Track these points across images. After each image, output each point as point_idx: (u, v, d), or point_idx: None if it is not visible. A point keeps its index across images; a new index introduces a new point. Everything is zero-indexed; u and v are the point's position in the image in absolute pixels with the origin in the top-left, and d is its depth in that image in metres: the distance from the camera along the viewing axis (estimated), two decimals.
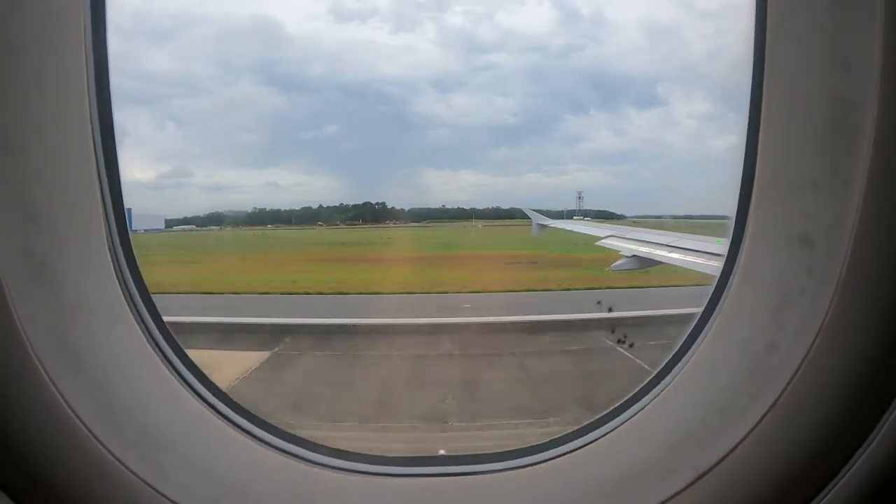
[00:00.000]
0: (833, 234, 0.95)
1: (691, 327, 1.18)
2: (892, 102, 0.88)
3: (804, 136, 0.97)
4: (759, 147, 1.01)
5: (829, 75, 0.94)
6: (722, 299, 1.11)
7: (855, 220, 0.92)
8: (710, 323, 1.13)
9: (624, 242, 10.44)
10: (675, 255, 8.66)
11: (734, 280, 1.08)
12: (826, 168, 0.95)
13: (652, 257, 9.52)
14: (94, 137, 1.09)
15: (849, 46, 0.92)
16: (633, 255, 9.98)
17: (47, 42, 1.02)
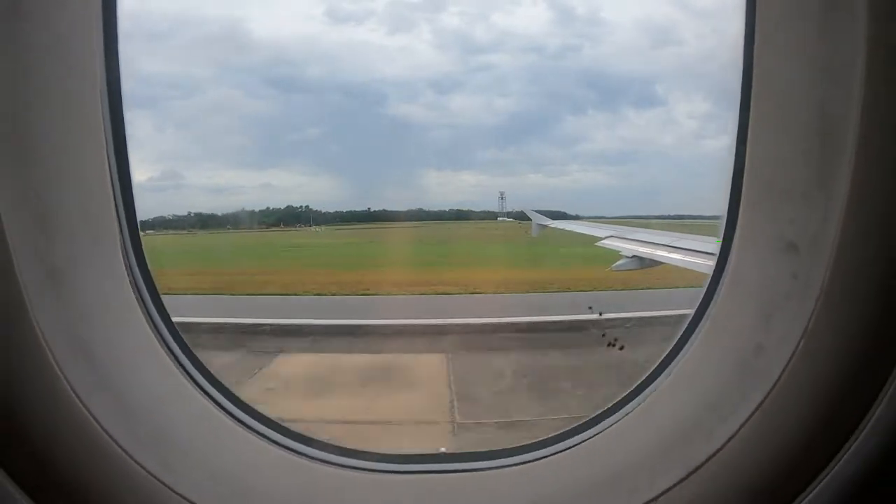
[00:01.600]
0: (817, 241, 0.99)
1: (682, 330, 1.22)
2: (874, 114, 0.92)
3: (791, 145, 1.01)
4: (748, 155, 1.05)
5: (815, 86, 0.97)
6: (712, 303, 1.15)
7: (838, 227, 0.96)
8: (700, 326, 1.17)
9: (624, 243, 10.45)
10: (676, 256, 8.68)
11: (723, 284, 1.12)
12: (812, 177, 0.99)
13: (653, 258, 9.54)
14: (106, 144, 1.13)
15: (834, 58, 0.95)
16: (634, 256, 9.99)
17: (60, 51, 1.05)
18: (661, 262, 9.17)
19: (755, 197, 1.06)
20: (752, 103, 1.04)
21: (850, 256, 0.96)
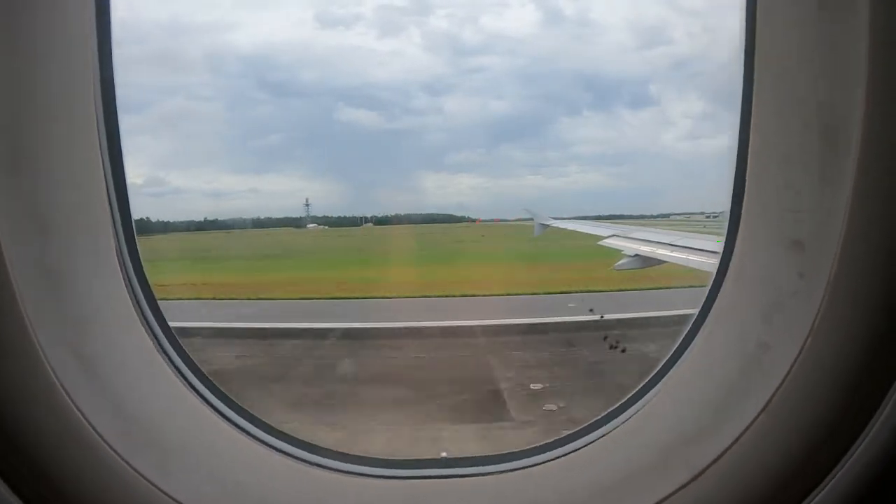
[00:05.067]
0: (822, 238, 0.97)
1: (686, 329, 1.20)
2: (877, 109, 0.90)
3: (793, 141, 0.99)
4: (750, 152, 1.03)
5: (817, 82, 0.96)
6: (716, 302, 1.13)
7: (843, 223, 0.94)
8: (704, 325, 1.15)
9: (626, 242, 10.42)
10: (679, 255, 8.65)
11: (727, 282, 1.10)
12: (815, 173, 0.97)
13: (656, 256, 9.51)
14: (101, 151, 1.12)
15: (836, 54, 0.93)
16: (636, 255, 9.97)
17: (56, 60, 1.05)
18: (664, 262, 9.14)
19: (758, 194, 1.04)
20: (753, 100, 1.02)
21: (855, 253, 0.94)
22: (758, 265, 1.06)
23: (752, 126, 1.02)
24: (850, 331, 0.98)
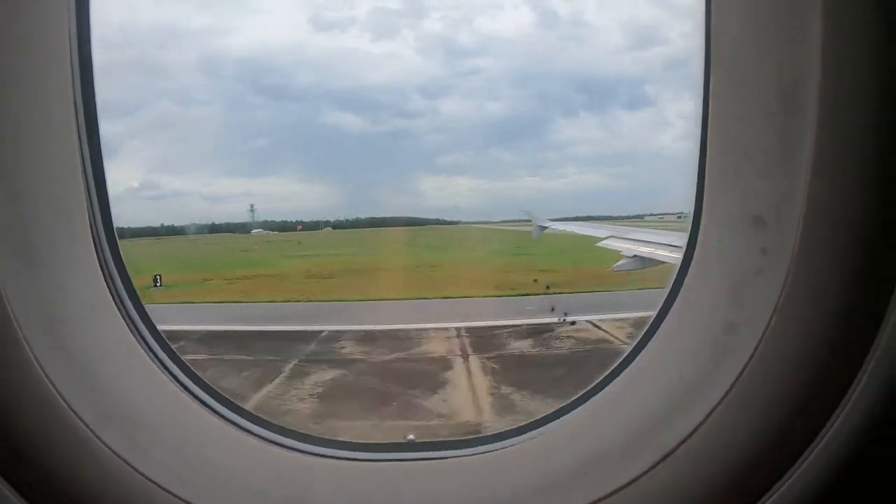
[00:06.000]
0: (783, 214, 0.97)
1: (657, 311, 1.19)
2: (834, 83, 0.90)
3: (751, 118, 0.99)
4: (709, 131, 1.03)
5: (773, 59, 0.96)
6: (684, 282, 1.12)
7: (804, 198, 0.93)
8: (673, 306, 1.14)
9: (624, 243, 10.42)
10: (678, 255, 8.60)
11: (694, 262, 1.10)
12: (774, 149, 0.97)
13: (654, 257, 9.50)
14: (81, 146, 1.15)
15: (792, 30, 0.93)
16: (635, 256, 9.96)
17: (33, 49, 1.07)
18: (663, 262, 9.13)
19: (719, 172, 1.04)
20: (711, 80, 1.02)
21: (817, 228, 0.94)
22: (722, 243, 1.05)
23: (710, 104, 1.02)
24: (815, 306, 0.97)
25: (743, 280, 1.03)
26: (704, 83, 1.04)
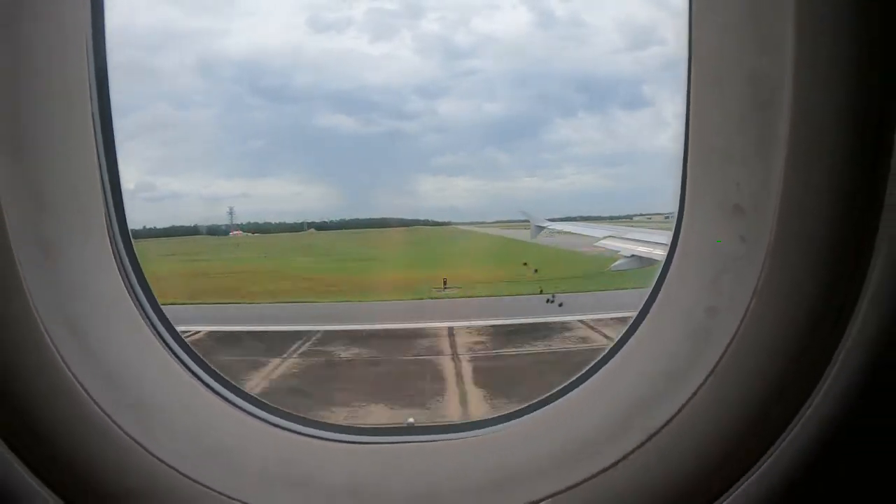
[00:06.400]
0: (760, 202, 1.02)
1: (644, 299, 1.24)
2: (808, 79, 0.95)
3: (730, 112, 1.04)
4: (690, 124, 1.08)
5: (749, 56, 1.01)
6: (668, 272, 1.18)
7: (780, 188, 0.99)
8: (658, 294, 1.19)
9: (622, 243, 10.46)
10: None
11: (677, 252, 1.15)
12: (752, 141, 1.02)
13: (652, 257, 9.54)
14: (95, 136, 1.21)
15: (766, 29, 0.99)
16: (633, 255, 10.00)
17: (53, 50, 1.14)
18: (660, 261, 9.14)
19: (700, 164, 1.09)
20: (691, 74, 1.07)
21: (793, 216, 0.99)
22: (703, 232, 1.11)
23: (690, 97, 1.07)
24: (793, 292, 1.02)
25: (723, 266, 1.08)
26: (687, 82, 1.10)
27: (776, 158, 0.99)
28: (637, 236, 10.61)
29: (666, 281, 1.17)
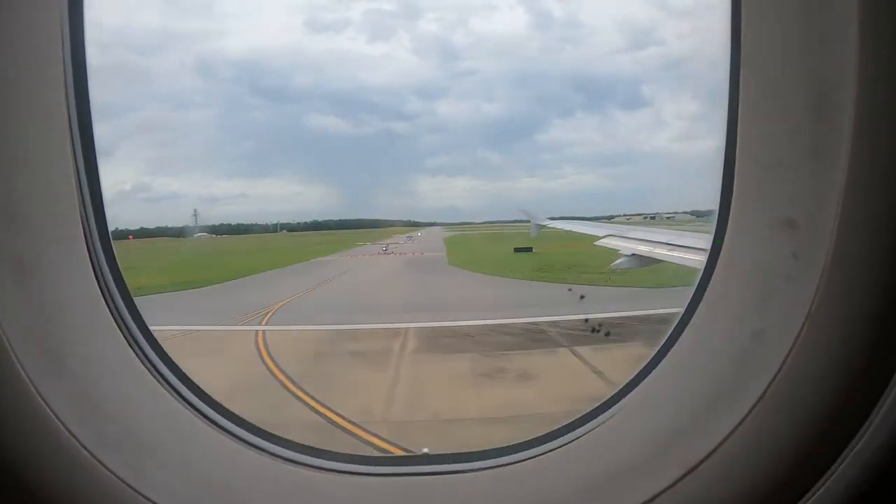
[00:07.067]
0: (817, 217, 0.92)
1: (676, 321, 1.15)
2: (872, 81, 0.86)
3: (782, 118, 0.95)
4: (739, 133, 0.98)
5: (805, 57, 0.92)
6: (707, 289, 1.08)
7: (839, 201, 0.89)
8: (696, 314, 1.10)
9: (622, 241, 10.42)
10: (676, 254, 8.63)
11: (718, 267, 1.05)
12: (806, 150, 0.93)
13: (652, 256, 9.50)
14: (73, 146, 1.10)
15: (826, 26, 0.89)
16: (633, 254, 9.96)
17: (25, 52, 1.03)
18: (661, 261, 9.13)
19: (748, 175, 0.99)
20: (740, 80, 0.98)
21: (853, 231, 0.90)
22: (750, 249, 1.01)
23: (739, 105, 0.98)
24: (849, 314, 0.93)
25: (772, 286, 0.98)
26: (731, 86, 1.00)
27: (835, 169, 0.89)
28: (637, 235, 10.57)
29: (704, 299, 1.08)
